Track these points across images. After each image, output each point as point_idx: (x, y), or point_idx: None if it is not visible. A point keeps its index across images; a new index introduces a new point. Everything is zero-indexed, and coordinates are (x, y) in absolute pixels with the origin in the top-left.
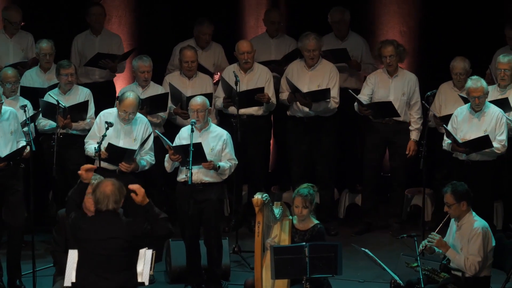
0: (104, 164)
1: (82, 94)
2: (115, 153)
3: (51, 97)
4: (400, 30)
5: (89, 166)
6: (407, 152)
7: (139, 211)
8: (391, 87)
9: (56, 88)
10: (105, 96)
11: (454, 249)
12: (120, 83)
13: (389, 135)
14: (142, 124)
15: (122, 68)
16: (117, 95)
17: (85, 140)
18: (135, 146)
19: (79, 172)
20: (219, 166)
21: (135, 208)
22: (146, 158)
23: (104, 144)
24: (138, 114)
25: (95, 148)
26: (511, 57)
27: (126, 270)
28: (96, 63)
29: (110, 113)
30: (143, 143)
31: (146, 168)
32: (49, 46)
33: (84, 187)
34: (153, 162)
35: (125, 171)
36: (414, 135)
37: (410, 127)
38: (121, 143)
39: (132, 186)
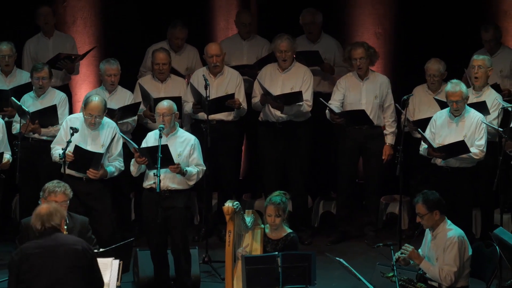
0: (71, 171)
1: (57, 98)
2: (82, 157)
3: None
4: (375, 32)
5: None
6: (383, 157)
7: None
8: (362, 91)
9: (32, 91)
10: None
11: (430, 260)
12: (86, 87)
13: (362, 140)
14: (110, 129)
15: (77, 69)
16: (73, 99)
17: (51, 146)
18: (102, 151)
19: None
20: (186, 171)
21: None
22: (115, 164)
23: (70, 149)
24: (106, 119)
25: (59, 154)
26: (485, 56)
27: None
28: (54, 64)
29: (76, 118)
30: (110, 145)
31: (115, 174)
32: (9, 48)
33: None
34: (122, 168)
35: (93, 178)
36: (389, 139)
37: (384, 131)
38: (88, 149)
39: None
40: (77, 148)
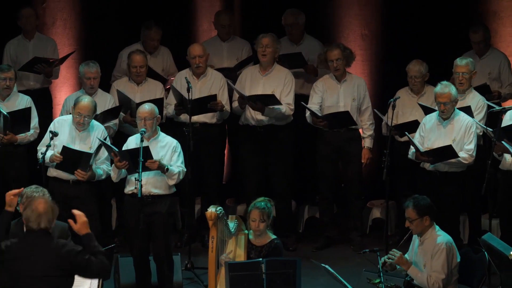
0: (57, 173)
1: (22, 101)
2: (71, 158)
3: None
4: (361, 33)
5: (15, 191)
6: (362, 161)
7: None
8: (340, 93)
9: None
10: (41, 104)
11: (417, 266)
12: (66, 90)
13: (340, 143)
14: (99, 131)
15: (57, 74)
16: (53, 102)
17: (38, 148)
18: (91, 152)
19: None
20: (167, 168)
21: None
22: (103, 167)
23: (58, 150)
24: (95, 122)
25: (38, 159)
26: (468, 60)
27: None
28: (31, 67)
29: (65, 120)
30: (98, 148)
31: (103, 177)
32: None
33: (8, 216)
34: (110, 172)
35: (81, 180)
36: (367, 143)
37: (362, 135)
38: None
39: (75, 212)
40: (64, 148)
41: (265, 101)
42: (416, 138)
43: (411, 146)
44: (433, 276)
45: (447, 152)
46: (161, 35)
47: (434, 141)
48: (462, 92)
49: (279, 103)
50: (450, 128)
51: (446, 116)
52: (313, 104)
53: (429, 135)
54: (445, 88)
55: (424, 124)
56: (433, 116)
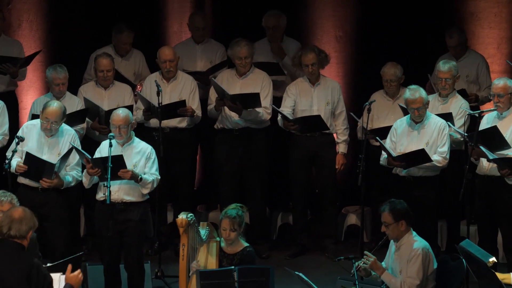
0: (26, 180)
1: None
2: (34, 165)
3: None
4: (335, 35)
5: None
6: (336, 167)
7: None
8: (314, 97)
9: None
10: (6, 108)
11: (393, 272)
12: (33, 93)
13: (314, 148)
14: (69, 136)
15: (23, 75)
16: (20, 106)
17: (6, 154)
18: (54, 162)
19: None
20: (141, 178)
21: None
22: (73, 174)
23: (19, 158)
24: (66, 126)
25: (4, 164)
26: (451, 65)
27: None
28: None
29: (34, 125)
30: (65, 155)
31: (72, 184)
32: None
33: None
34: (80, 179)
35: (48, 188)
36: (341, 148)
37: (337, 140)
38: (45, 158)
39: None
40: (28, 155)
41: (246, 102)
42: (388, 143)
43: (383, 152)
44: (407, 282)
45: (420, 156)
46: (133, 38)
47: (407, 146)
48: (445, 96)
49: (260, 105)
50: (422, 132)
51: (420, 119)
52: (286, 108)
53: (401, 140)
54: (415, 93)
55: (395, 129)
56: (404, 120)
